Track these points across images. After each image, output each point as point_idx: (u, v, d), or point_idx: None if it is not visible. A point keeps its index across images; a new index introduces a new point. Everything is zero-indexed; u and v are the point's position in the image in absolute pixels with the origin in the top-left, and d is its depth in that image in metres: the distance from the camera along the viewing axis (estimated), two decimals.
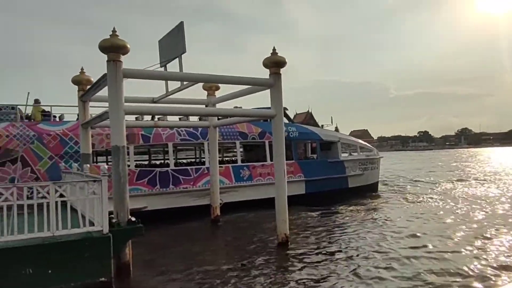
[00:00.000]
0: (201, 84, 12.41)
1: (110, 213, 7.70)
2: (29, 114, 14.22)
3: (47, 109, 14.24)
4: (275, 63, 9.87)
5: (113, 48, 7.89)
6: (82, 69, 10.92)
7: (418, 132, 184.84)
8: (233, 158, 18.06)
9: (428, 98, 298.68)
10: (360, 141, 22.10)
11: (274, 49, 9.93)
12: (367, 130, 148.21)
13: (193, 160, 19.05)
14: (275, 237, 10.10)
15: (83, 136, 10.94)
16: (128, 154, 13.64)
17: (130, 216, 8.01)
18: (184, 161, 18.63)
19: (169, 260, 9.05)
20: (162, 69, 10.41)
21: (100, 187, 7.04)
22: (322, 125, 22.98)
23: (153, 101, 12.18)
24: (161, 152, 19.34)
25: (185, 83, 10.05)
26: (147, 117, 13.33)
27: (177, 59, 9.59)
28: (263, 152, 16.44)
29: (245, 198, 14.99)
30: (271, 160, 15.15)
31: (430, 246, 9.38)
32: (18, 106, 13.56)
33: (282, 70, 10.02)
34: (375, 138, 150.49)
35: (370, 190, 20.11)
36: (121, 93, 8.01)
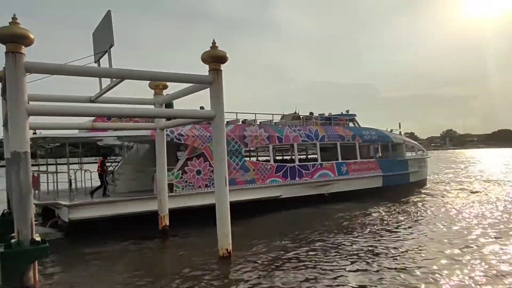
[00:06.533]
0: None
1: None
2: None
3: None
4: (215, 58, 8.85)
5: (12, 38, 6.77)
6: None
7: (404, 133, 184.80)
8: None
9: (415, 100, 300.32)
10: (417, 143, 26.04)
11: (213, 42, 8.91)
12: None
13: (304, 157, 22.54)
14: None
15: None
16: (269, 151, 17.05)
17: (35, 235, 6.89)
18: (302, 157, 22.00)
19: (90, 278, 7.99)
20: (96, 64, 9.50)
21: None
22: (392, 130, 24.88)
23: (91, 100, 11.17)
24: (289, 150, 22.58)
25: (114, 80, 8.99)
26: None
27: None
28: (354, 151, 19.64)
29: (345, 189, 18.34)
30: (361, 158, 19.80)
31: None
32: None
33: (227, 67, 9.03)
34: None
35: (422, 185, 23.48)
36: (22, 90, 6.89)
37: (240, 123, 17.08)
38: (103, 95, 10.35)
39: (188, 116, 9.58)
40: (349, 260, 8.64)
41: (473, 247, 9.37)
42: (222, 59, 8.87)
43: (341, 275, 7.63)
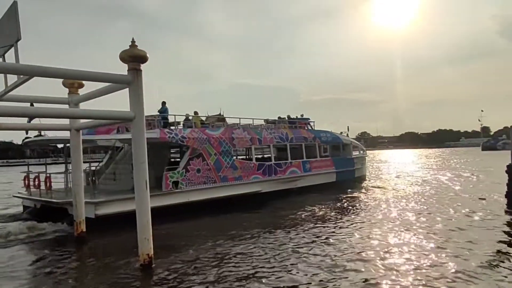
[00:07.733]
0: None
1: None
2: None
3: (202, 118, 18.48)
4: (134, 57, 8.56)
5: None
6: None
7: None
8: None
9: (332, 104, 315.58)
10: (359, 144, 29.79)
11: (133, 41, 8.64)
12: None
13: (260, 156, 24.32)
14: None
15: None
16: (251, 152, 19.24)
17: None
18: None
19: None
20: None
21: None
22: (341, 132, 28.03)
23: None
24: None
25: (22, 76, 8.32)
26: None
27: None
28: (314, 151, 22.53)
29: (309, 184, 20.90)
30: (320, 157, 22.92)
31: None
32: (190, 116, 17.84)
33: (146, 67, 8.80)
34: None
35: (363, 180, 27.00)
36: None
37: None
38: (10, 93, 9.49)
39: (105, 116, 9.13)
40: (284, 259, 8.83)
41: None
42: (142, 58, 8.62)
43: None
